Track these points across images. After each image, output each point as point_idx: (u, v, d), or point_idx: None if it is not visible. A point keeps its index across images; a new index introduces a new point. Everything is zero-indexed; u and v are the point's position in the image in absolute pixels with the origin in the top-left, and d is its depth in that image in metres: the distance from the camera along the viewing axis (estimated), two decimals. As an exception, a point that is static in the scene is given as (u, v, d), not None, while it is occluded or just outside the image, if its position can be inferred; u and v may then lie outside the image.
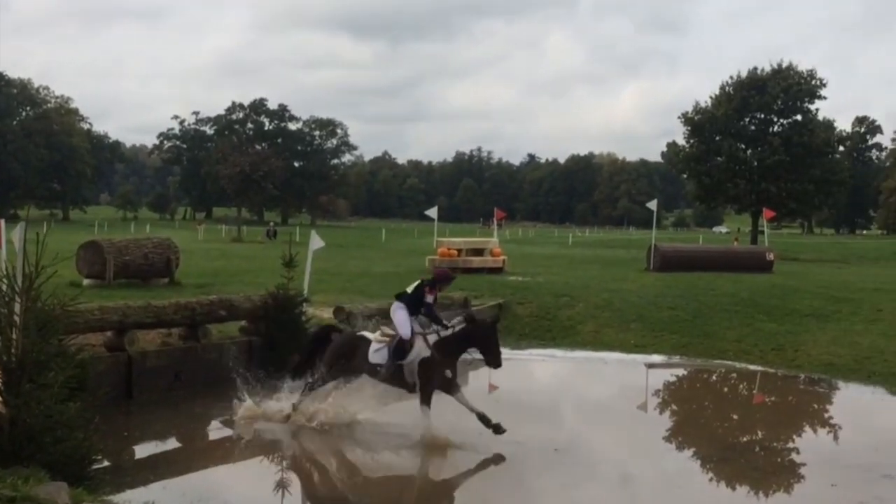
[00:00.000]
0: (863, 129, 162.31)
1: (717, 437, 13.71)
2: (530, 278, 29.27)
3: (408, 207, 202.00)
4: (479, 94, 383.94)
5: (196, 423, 13.31)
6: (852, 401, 16.87)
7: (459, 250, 31.81)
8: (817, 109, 62.13)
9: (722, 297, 25.68)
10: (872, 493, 10.50)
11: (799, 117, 61.27)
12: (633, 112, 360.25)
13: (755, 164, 60.67)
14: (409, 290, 12.48)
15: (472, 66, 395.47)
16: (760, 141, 60.93)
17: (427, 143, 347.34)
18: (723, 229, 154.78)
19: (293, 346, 16.03)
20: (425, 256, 33.52)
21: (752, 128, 62.05)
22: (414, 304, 12.34)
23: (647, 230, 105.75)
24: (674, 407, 16.59)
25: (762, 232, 51.49)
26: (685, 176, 70.68)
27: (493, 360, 12.27)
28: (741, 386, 18.95)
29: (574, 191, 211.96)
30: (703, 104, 62.51)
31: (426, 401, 11.89)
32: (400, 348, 12.05)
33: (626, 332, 22.35)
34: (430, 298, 12.37)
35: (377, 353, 12.27)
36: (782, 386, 18.13)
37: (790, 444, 13.52)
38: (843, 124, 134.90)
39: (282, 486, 10.55)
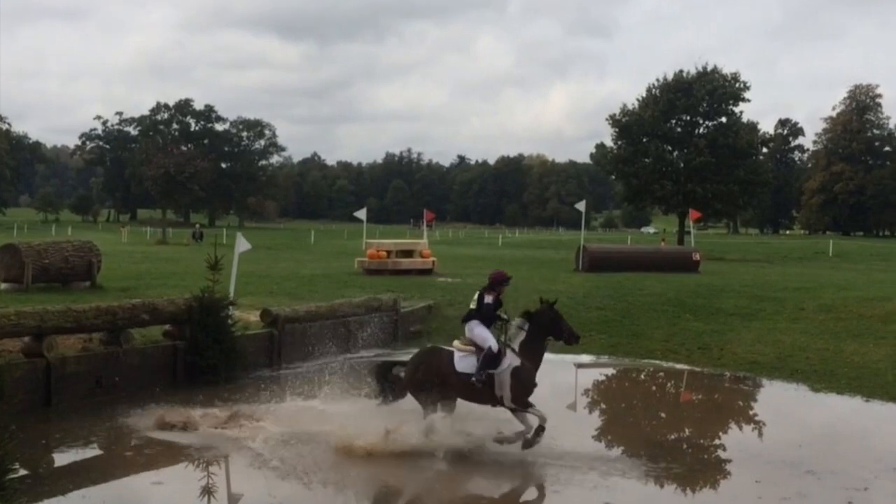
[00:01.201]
0: (785, 132, 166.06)
1: (645, 435, 13.86)
2: (460, 279, 29.28)
3: (337, 209, 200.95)
4: (409, 95, 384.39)
5: (118, 429, 13.02)
6: (776, 398, 17.18)
7: (389, 252, 31.71)
8: (741, 112, 63.22)
9: (649, 297, 26.01)
10: (795, 488, 10.69)
11: (724, 119, 62.21)
12: (563, 114, 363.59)
13: (682, 165, 61.47)
14: (473, 305, 12.41)
15: (402, 67, 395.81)
16: (687, 143, 61.76)
17: (357, 144, 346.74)
18: (651, 230, 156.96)
19: (218, 349, 15.82)
20: (355, 258, 33.36)
21: (679, 130, 62.85)
22: (486, 317, 12.30)
23: (576, 231, 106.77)
24: (603, 406, 16.76)
25: (689, 232, 52.34)
26: (613, 177, 71.47)
27: (571, 338, 12.51)
28: (669, 385, 19.20)
29: (504, 192, 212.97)
30: (630, 106, 63.22)
31: (526, 406, 11.90)
32: (490, 359, 11.92)
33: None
34: (489, 299, 12.31)
35: (464, 361, 12.08)
36: (708, 384, 18.39)
37: (716, 442, 13.73)
38: (767, 126, 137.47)
39: (207, 492, 10.38)
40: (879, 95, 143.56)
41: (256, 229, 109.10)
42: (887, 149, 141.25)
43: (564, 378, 18.62)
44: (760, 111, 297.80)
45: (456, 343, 12.46)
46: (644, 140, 62.03)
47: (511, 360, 11.90)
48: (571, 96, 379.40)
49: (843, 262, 49.56)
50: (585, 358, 20.75)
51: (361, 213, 41.57)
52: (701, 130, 62.55)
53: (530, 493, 11.22)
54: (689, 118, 62.70)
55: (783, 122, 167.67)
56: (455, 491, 10.76)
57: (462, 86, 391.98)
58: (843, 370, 18.32)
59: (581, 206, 37.41)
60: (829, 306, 23.78)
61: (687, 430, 14.46)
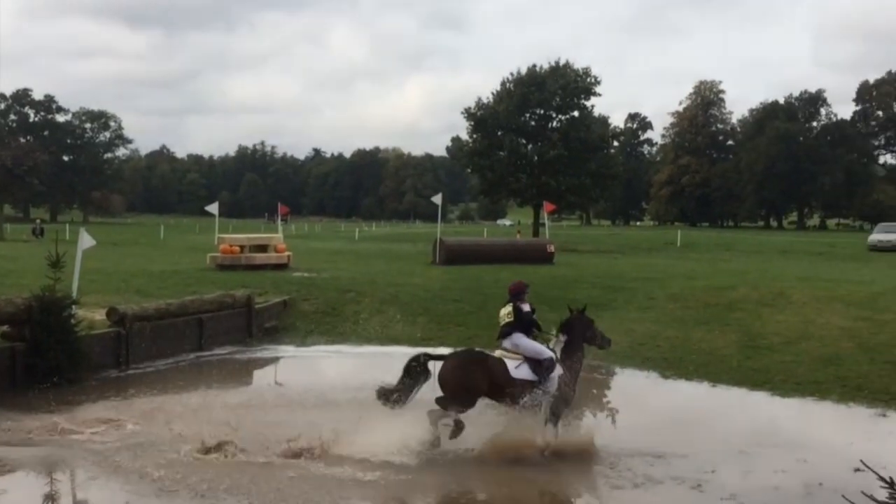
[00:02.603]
0: (635, 126, 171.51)
1: (501, 424, 13.97)
2: (316, 274, 29.02)
3: (188, 203, 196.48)
4: (262, 87, 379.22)
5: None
6: (628, 385, 17.68)
7: (242, 247, 31.14)
8: (593, 106, 64.57)
9: (505, 288, 26.28)
10: (647, 473, 11.01)
11: (576, 113, 63.40)
12: (418, 107, 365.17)
13: (536, 158, 62.38)
14: (506, 318, 12.32)
15: (254, 58, 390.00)
16: (541, 136, 62.74)
17: (208, 136, 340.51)
18: (506, 222, 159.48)
19: (61, 351, 15.20)
20: (206, 253, 32.62)
21: (533, 123, 63.76)
22: (525, 327, 12.28)
23: (432, 224, 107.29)
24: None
25: (543, 224, 53.24)
26: (469, 170, 71.94)
27: (604, 342, 12.97)
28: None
29: (360, 185, 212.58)
30: (485, 100, 63.84)
31: (557, 419, 12.03)
32: (552, 367, 12.04)
33: (413, 325, 22.50)
34: (527, 307, 12.46)
35: (521, 370, 12.01)
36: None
37: (569, 429, 13.97)
38: (617, 121, 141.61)
39: (51, 499, 9.96)
40: (723, 91, 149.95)
41: (102, 224, 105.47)
42: (730, 143, 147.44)
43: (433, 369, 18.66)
44: (611, 106, 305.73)
45: (500, 352, 12.36)
46: (499, 133, 62.66)
47: (557, 368, 12.09)
48: (427, 89, 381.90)
49: (690, 253, 51.42)
50: (443, 351, 20.81)
51: (213, 208, 40.60)
52: (554, 124, 63.59)
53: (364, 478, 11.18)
54: (542, 112, 63.68)
55: (633, 117, 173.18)
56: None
57: (316, 78, 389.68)
58: (691, 357, 19.00)
59: (437, 199, 37.55)
60: (677, 295, 24.58)
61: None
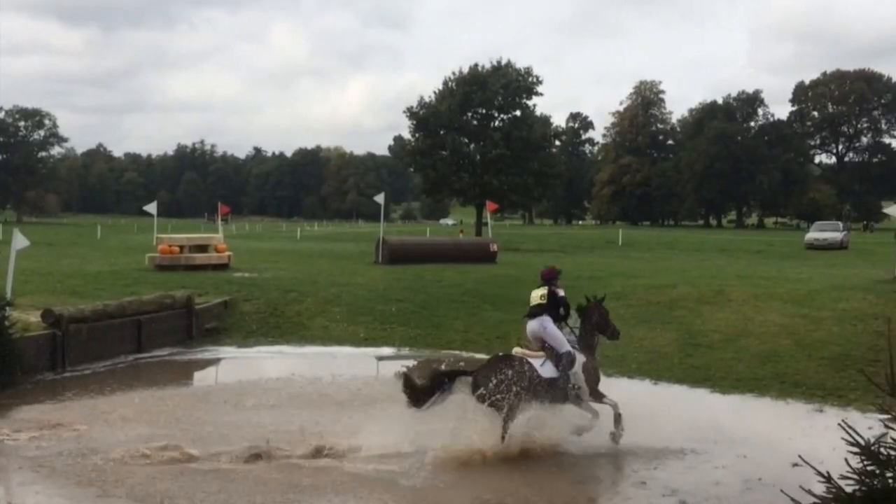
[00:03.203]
0: (576, 125, 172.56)
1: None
2: (257, 274, 28.79)
3: (126, 202, 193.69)
4: (201, 85, 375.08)
5: None
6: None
7: (182, 247, 30.75)
8: (535, 105, 65.04)
9: (449, 288, 26.41)
10: (591, 471, 11.15)
11: (518, 113, 63.72)
12: (360, 106, 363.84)
13: (478, 157, 62.61)
14: (538, 300, 12.44)
15: (193, 56, 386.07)
16: (483, 135, 62.93)
17: (146, 135, 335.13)
18: (449, 221, 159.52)
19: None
20: (145, 254, 32.17)
21: (475, 123, 63.95)
22: (556, 312, 12.47)
23: (375, 223, 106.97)
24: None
25: (486, 224, 53.40)
26: (412, 169, 72.00)
27: (615, 334, 13.24)
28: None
29: (302, 184, 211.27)
30: (427, 99, 63.92)
31: (600, 396, 12.37)
32: (572, 362, 12.23)
33: (356, 325, 22.48)
34: (561, 292, 12.64)
35: (546, 367, 12.14)
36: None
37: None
38: (559, 120, 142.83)
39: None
40: (662, 91, 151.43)
41: (37, 224, 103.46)
42: (670, 142, 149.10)
43: (364, 371, 18.64)
44: (553, 105, 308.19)
45: (518, 350, 12.53)
46: (441, 132, 62.76)
47: (579, 356, 12.30)
48: (369, 88, 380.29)
49: (631, 251, 51.97)
50: (386, 350, 20.87)
51: (152, 207, 40.07)
52: (496, 123, 63.85)
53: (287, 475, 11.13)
54: (484, 111, 63.89)
55: (574, 116, 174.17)
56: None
57: (256, 76, 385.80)
58: (633, 355, 19.16)
59: (380, 198, 37.45)
60: (619, 294, 24.77)
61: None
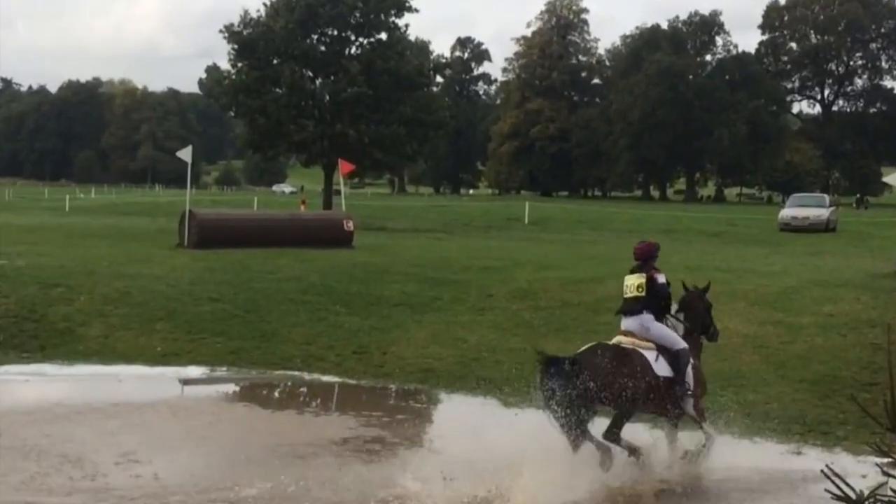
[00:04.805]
0: (466, 55, 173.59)
1: (279, 480, 13.85)
2: (6, 261, 28.11)
3: None
4: None
5: None
6: (458, 418, 17.80)
7: None
8: (407, 26, 65.07)
9: (285, 282, 26.26)
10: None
11: (383, 36, 63.64)
12: (158, 22, 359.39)
13: (327, 98, 62.36)
14: (634, 292, 12.98)
15: None
16: (334, 67, 62.65)
17: None
18: (286, 188, 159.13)
19: None
20: None
21: (323, 49, 63.63)
22: (657, 307, 13.16)
23: (179, 190, 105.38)
24: (205, 434, 16.32)
25: (339, 192, 53.28)
26: (233, 114, 71.26)
27: (715, 335, 14.23)
28: (314, 404, 19.38)
29: (73, 133, 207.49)
30: (255, 14, 63.27)
31: (703, 416, 13.36)
32: (687, 362, 13.08)
33: (151, 335, 22.19)
34: (662, 278, 13.26)
35: (661, 364, 12.85)
36: (368, 402, 18.71)
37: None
38: (441, 48, 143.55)
39: None
40: (585, 10, 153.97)
41: None
42: (596, 81, 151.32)
43: (162, 400, 18.30)
44: (433, 27, 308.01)
45: (623, 339, 13.03)
46: (274, 62, 62.28)
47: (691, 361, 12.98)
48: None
49: (542, 233, 52.53)
50: (195, 371, 20.62)
51: None
52: (353, 50, 63.71)
53: None
54: (336, 33, 63.63)
55: (463, 43, 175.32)
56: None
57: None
58: (544, 376, 19.32)
59: (186, 154, 36.90)
60: (525, 291, 25.00)
61: (340, 468, 14.57)
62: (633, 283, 13.24)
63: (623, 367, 12.59)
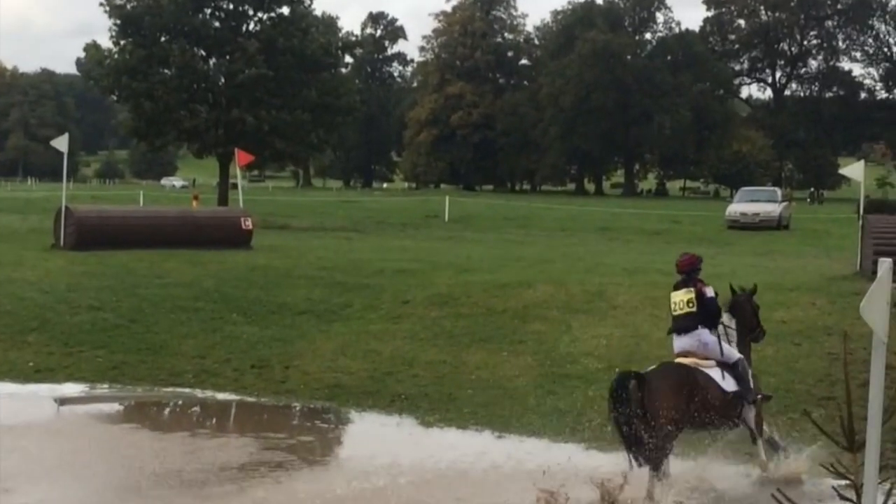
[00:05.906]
0: (378, 33, 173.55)
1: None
2: None
3: None
4: None
5: None
6: (370, 439, 17.79)
7: None
8: (312, 1, 64.99)
9: (175, 288, 26.17)
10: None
11: (285, 10, 63.45)
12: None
13: (222, 80, 62.11)
14: (686, 308, 13.53)
15: None
16: (230, 45, 62.34)
17: None
18: (176, 182, 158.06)
19: None
20: None
21: (217, 24, 63.29)
22: (711, 320, 13.77)
23: (55, 184, 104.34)
24: (86, 460, 16.24)
25: (235, 186, 53.07)
26: (115, 98, 70.70)
27: (761, 335, 15.03)
28: (208, 425, 19.30)
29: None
30: (139, -14, 62.87)
31: (762, 431, 14.05)
32: (745, 369, 13.80)
33: (22, 348, 22.04)
34: (710, 292, 13.87)
35: (728, 381, 13.51)
36: (269, 422, 18.71)
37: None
38: (351, 25, 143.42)
39: None
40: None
41: None
42: (524, 62, 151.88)
43: (29, 421, 18.15)
44: (341, 1, 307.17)
45: (681, 360, 13.55)
46: (163, 39, 61.88)
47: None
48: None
49: (464, 231, 52.73)
50: (71, 389, 20.46)
51: None
52: (251, 27, 63.49)
53: None
54: (232, 7, 63.36)
55: (375, 19, 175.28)
56: None
57: None
58: (465, 393, 19.37)
59: (62, 143, 36.59)
60: (445, 297, 25.06)
61: (238, 497, 14.55)
62: (682, 299, 13.84)
63: (694, 388, 13.18)
